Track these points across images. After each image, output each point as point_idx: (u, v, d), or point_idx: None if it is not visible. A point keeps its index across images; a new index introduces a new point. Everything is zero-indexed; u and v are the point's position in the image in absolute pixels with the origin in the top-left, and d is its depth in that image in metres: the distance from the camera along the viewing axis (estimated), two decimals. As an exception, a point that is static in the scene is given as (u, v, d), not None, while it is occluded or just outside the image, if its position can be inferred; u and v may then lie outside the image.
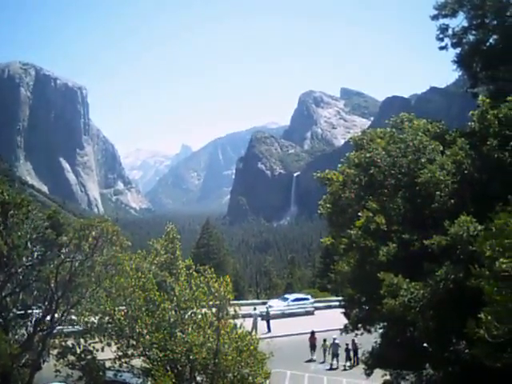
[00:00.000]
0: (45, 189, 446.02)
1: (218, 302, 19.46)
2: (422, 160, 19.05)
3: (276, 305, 54.93)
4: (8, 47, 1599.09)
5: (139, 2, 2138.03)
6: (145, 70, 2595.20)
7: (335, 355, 36.62)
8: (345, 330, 22.85)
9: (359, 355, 29.94)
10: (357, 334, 22.48)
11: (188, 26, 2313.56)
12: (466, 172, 17.63)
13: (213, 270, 20.43)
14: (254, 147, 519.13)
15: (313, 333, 39.56)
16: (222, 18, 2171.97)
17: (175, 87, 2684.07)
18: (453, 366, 17.17)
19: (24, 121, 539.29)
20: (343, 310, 22.98)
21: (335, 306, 44.39)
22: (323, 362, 37.41)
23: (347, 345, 35.40)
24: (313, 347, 38.86)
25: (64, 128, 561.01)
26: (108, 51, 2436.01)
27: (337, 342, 35.93)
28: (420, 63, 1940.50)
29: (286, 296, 60.89)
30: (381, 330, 20.46)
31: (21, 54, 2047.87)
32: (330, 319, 39.40)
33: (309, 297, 61.69)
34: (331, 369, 36.16)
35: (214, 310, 19.70)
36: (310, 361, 37.98)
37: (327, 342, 37.57)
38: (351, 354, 36.33)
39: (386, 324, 19.67)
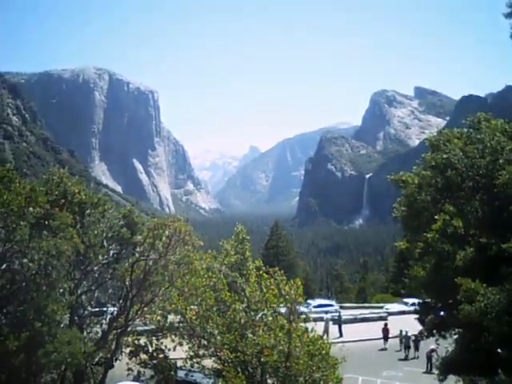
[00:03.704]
0: (119, 189, 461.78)
1: (288, 305, 19.28)
2: (501, 161, 18.44)
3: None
4: (82, 52, 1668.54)
5: (207, 3, 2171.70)
6: (214, 70, 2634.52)
7: (407, 347, 40.60)
8: (419, 335, 22.36)
9: (433, 361, 29.82)
10: (438, 344, 22.04)
11: (259, 26, 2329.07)
12: (544, 172, 16.87)
13: (282, 272, 20.26)
14: (324, 148, 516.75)
15: (386, 324, 44.71)
16: (294, 16, 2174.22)
17: (244, 87, 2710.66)
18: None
19: (99, 124, 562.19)
20: (417, 316, 22.46)
21: (409, 312, 44.42)
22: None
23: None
24: (385, 338, 43.81)
25: (136, 130, 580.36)
26: (178, 52, 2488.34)
27: (409, 335, 39.24)
28: (496, 61, 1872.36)
29: (309, 301, 59.79)
30: (455, 336, 19.90)
31: (94, 59, 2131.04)
32: (403, 324, 40.04)
33: (333, 303, 61.94)
34: (405, 359, 40.12)
35: (285, 312, 19.53)
36: (383, 350, 42.89)
37: (403, 333, 41.51)
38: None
39: (461, 330, 19.12)
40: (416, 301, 51.17)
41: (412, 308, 51.66)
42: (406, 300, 59.48)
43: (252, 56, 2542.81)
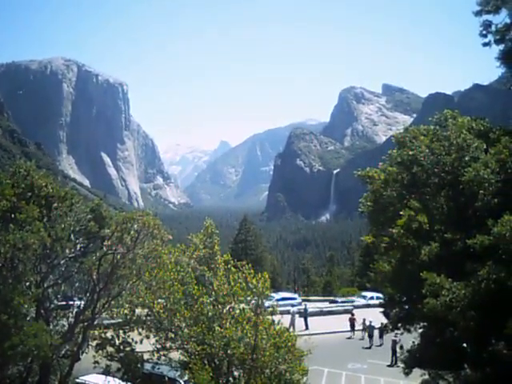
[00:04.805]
0: (86, 182, 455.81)
1: (255, 298, 19.46)
2: (466, 158, 18.76)
3: None
4: (50, 43, 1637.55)
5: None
6: (185, 65, 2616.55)
7: (370, 336, 42.43)
8: (384, 329, 22.69)
9: (398, 354, 30.20)
10: (396, 334, 22.30)
11: (229, 22, 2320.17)
12: (510, 171, 17.29)
13: (250, 265, 20.42)
14: (293, 143, 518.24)
15: (352, 314, 46.76)
16: (261, 14, 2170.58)
17: (215, 83, 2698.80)
18: (491, 366, 16.94)
19: (67, 116, 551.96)
20: (382, 309, 22.79)
21: (374, 305, 45.35)
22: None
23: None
24: (352, 326, 45.48)
25: (105, 123, 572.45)
26: (149, 47, 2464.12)
27: (373, 324, 41.23)
28: (463, 59, 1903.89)
29: (273, 295, 60.08)
30: (420, 330, 20.25)
31: (63, 51, 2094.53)
32: (369, 318, 40.94)
33: (296, 296, 62.63)
34: (369, 348, 41.87)
35: (251, 305, 19.70)
36: (349, 338, 44.84)
37: (366, 323, 43.47)
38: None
39: (426, 324, 19.47)
40: (374, 294, 52.60)
41: (371, 302, 53.22)
42: (364, 294, 61.18)
43: (224, 52, 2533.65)
